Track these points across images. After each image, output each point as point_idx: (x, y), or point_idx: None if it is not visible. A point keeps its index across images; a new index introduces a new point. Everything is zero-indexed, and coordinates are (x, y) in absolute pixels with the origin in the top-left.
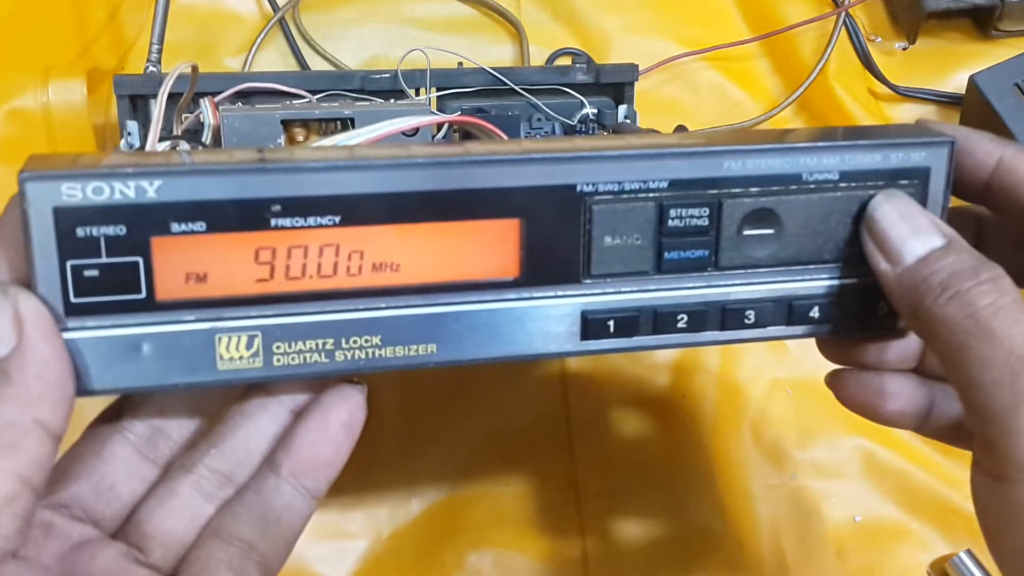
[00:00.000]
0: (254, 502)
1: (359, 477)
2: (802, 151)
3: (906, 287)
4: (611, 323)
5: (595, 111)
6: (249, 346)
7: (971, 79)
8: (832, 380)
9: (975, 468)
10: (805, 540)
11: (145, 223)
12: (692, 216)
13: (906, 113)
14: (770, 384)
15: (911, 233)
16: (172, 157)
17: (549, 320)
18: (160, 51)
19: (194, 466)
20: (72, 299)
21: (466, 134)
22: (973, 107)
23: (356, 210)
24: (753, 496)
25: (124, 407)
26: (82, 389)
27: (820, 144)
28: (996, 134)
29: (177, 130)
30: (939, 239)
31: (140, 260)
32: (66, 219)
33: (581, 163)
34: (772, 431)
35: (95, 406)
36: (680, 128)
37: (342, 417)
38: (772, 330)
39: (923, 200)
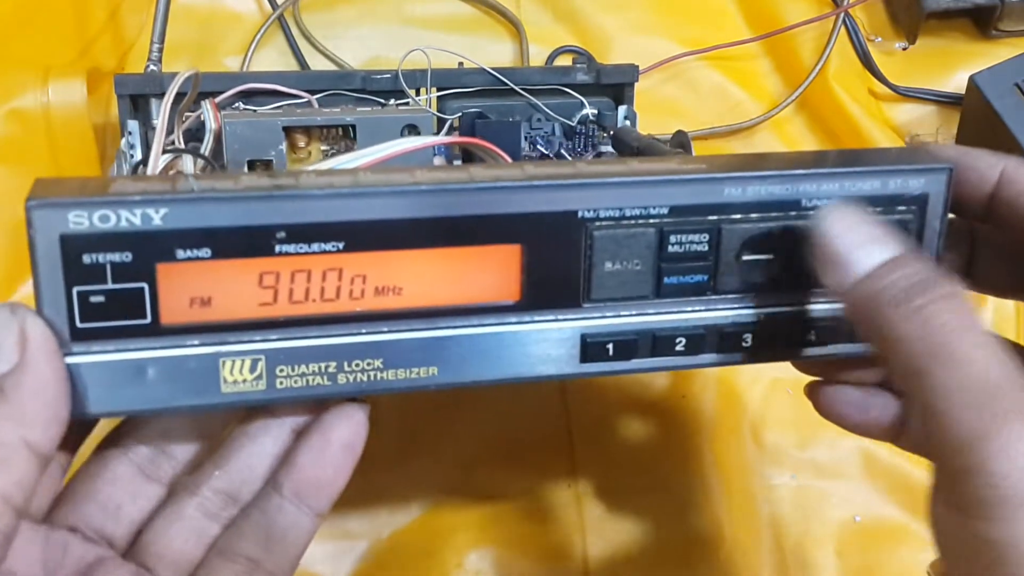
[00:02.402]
0: (258, 521)
1: (359, 477)
2: (801, 178)
3: (859, 299)
4: (610, 346)
5: (595, 111)
6: (253, 369)
7: (971, 79)
8: (810, 391)
9: (935, 496)
10: (805, 540)
11: (151, 250)
12: (692, 242)
13: (906, 113)
14: (770, 384)
15: (862, 243)
16: (178, 182)
17: (549, 343)
18: (161, 50)
19: (199, 487)
20: (78, 324)
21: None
22: (973, 107)
23: (360, 236)
24: (753, 496)
25: (127, 429)
26: (87, 412)
27: (819, 171)
28: (996, 134)
29: (178, 131)
30: (892, 250)
31: (145, 286)
32: (72, 246)
33: (582, 190)
34: (772, 431)
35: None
36: (679, 133)
37: (343, 437)
38: (769, 353)
39: (920, 227)
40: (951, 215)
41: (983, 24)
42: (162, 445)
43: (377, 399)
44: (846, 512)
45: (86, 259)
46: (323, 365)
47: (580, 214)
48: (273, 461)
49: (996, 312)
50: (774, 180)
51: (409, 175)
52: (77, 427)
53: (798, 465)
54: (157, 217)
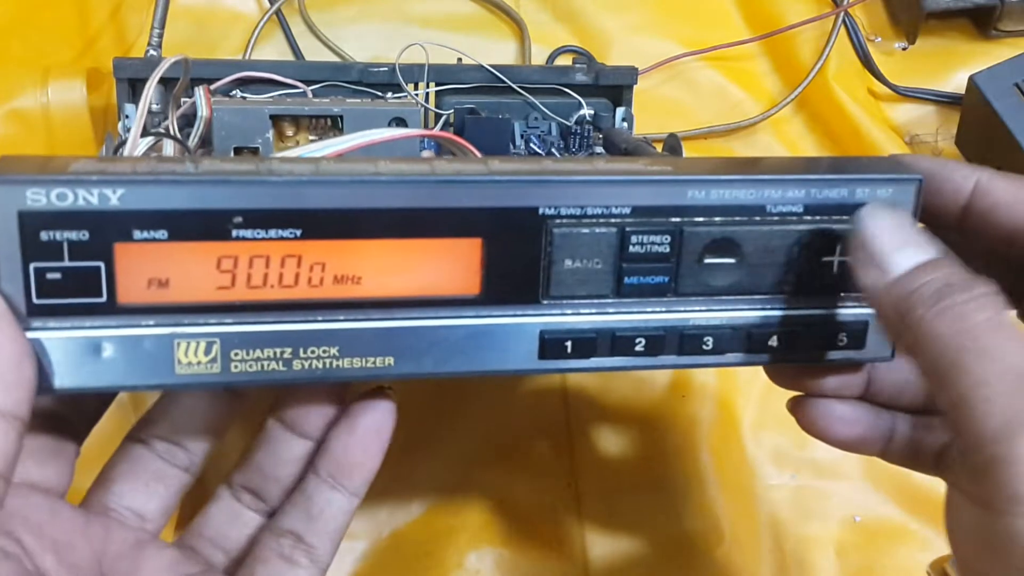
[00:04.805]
0: (298, 500)
1: None
2: (766, 183)
3: (895, 298)
4: (568, 344)
5: (592, 112)
6: (207, 352)
7: (971, 79)
8: (793, 407)
9: (955, 493)
10: (805, 540)
11: (108, 230)
12: (653, 243)
13: (906, 113)
14: (770, 383)
15: (902, 243)
16: (139, 164)
17: (507, 338)
18: (161, 35)
19: (233, 477)
20: (35, 300)
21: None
22: (973, 107)
23: (318, 224)
24: (753, 496)
25: (142, 424)
26: (46, 387)
27: (785, 177)
28: (996, 134)
29: (172, 116)
30: (929, 252)
31: (102, 265)
32: (30, 223)
33: (544, 187)
34: (772, 431)
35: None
36: (671, 136)
37: (368, 423)
38: (730, 357)
39: None
40: (922, 226)
41: (983, 24)
42: (174, 438)
43: None
44: (846, 512)
45: (43, 236)
46: (278, 351)
47: (541, 211)
48: (303, 450)
49: None
50: (738, 184)
51: (372, 165)
52: (78, 418)
53: (798, 465)
54: (114, 197)
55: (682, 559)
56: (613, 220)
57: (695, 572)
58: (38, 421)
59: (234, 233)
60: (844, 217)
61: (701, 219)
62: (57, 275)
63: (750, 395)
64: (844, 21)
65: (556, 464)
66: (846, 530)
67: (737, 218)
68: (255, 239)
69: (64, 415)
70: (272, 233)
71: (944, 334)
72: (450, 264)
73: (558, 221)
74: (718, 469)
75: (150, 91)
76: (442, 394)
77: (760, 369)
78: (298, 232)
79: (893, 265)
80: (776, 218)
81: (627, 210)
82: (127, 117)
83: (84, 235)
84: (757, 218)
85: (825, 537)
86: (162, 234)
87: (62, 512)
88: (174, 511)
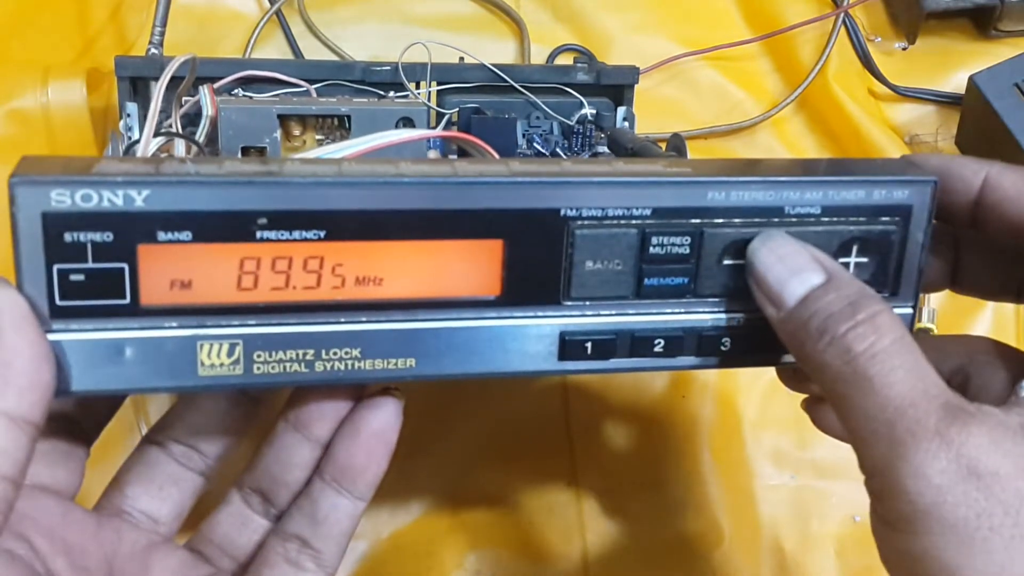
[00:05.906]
0: (304, 504)
1: None
2: (785, 185)
3: (790, 332)
4: (588, 345)
5: (594, 111)
6: (230, 354)
7: (971, 79)
8: (809, 407)
9: (871, 510)
10: (805, 540)
11: (132, 231)
12: (673, 244)
13: (906, 113)
14: (770, 384)
15: (789, 274)
16: (162, 165)
17: (528, 339)
18: (163, 34)
19: (243, 481)
20: (58, 302)
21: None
22: (973, 107)
23: (341, 226)
24: (753, 496)
25: (161, 427)
26: (65, 390)
27: (803, 179)
28: (996, 134)
29: (175, 115)
30: (818, 276)
31: (126, 266)
32: (54, 224)
33: (566, 188)
34: (772, 431)
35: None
36: (675, 136)
37: (373, 426)
38: (748, 358)
39: (903, 238)
40: (935, 221)
41: (983, 24)
42: (192, 442)
43: None
44: (846, 512)
45: (67, 237)
46: (301, 352)
47: (563, 212)
48: (312, 454)
49: (995, 312)
50: (758, 186)
51: (393, 167)
52: (88, 420)
53: (798, 465)
54: (139, 198)
55: (682, 559)
56: (634, 221)
57: (695, 572)
58: (49, 424)
59: (258, 234)
60: (861, 219)
61: (720, 220)
62: (80, 276)
63: (751, 395)
64: (844, 21)
65: (556, 464)
66: (846, 530)
67: (756, 219)
68: (279, 240)
69: (75, 418)
70: (296, 234)
71: (832, 367)
72: (471, 265)
73: (580, 222)
74: (718, 469)
75: (161, 90)
76: (442, 394)
77: (761, 369)
78: (322, 233)
79: (785, 298)
80: (794, 219)
81: (648, 211)
82: (129, 116)
83: (108, 236)
84: (776, 219)
85: (825, 537)
86: (186, 235)
87: (73, 515)
88: (187, 514)
